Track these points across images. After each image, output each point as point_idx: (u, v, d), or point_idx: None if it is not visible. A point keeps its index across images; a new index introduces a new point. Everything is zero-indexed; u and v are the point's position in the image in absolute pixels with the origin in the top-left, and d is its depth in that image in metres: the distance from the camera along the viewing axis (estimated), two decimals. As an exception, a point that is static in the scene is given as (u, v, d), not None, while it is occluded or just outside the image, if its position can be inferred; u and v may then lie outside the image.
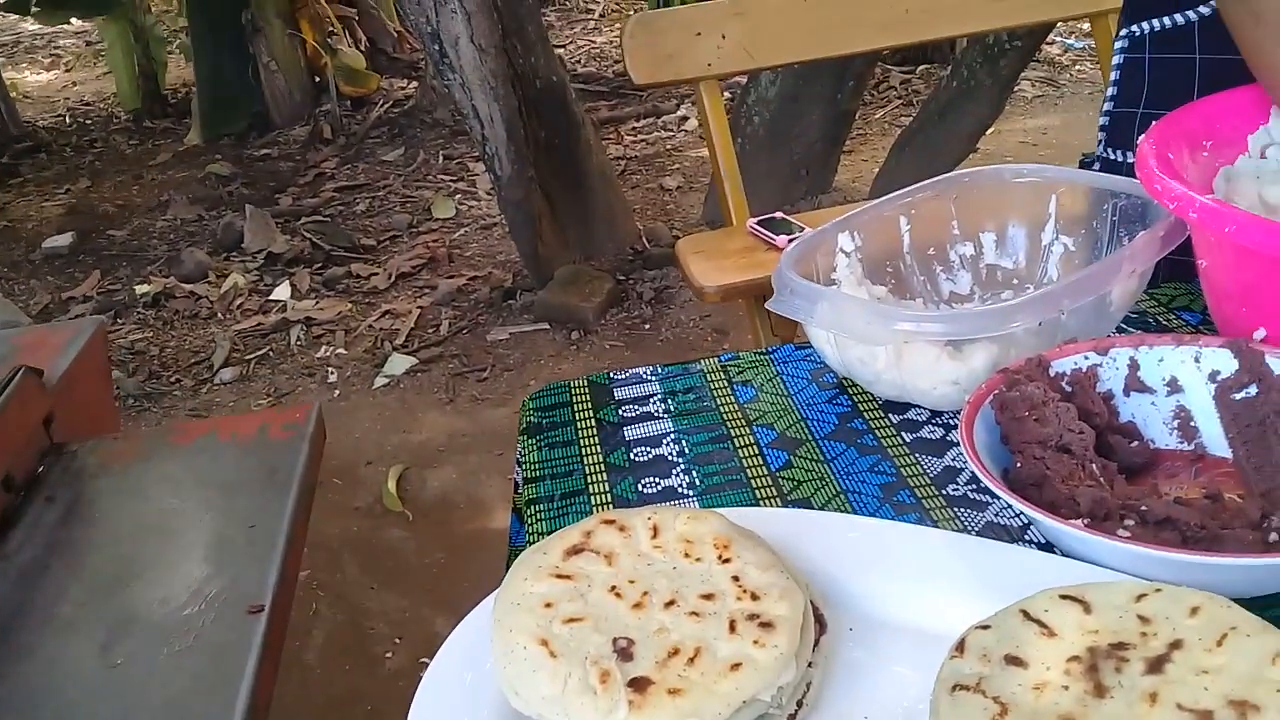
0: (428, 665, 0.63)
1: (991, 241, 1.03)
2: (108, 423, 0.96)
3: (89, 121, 6.46)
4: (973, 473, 0.77)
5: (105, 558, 0.73)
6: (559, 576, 0.63)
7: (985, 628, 0.56)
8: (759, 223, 2.36)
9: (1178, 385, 0.77)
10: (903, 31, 2.67)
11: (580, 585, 0.62)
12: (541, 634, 0.59)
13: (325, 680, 2.13)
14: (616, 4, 7.57)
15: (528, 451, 0.90)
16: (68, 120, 6.54)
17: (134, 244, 4.42)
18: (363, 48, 6.09)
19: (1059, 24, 5.27)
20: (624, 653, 0.58)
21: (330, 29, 5.88)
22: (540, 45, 3.31)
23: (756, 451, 0.85)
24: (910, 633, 0.63)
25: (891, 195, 1.00)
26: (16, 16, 6.66)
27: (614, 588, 0.62)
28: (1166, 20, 1.04)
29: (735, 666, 0.56)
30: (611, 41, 6.66)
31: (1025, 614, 0.56)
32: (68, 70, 8.00)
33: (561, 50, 6.04)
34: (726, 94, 3.87)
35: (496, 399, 3.04)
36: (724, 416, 0.90)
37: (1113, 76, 1.13)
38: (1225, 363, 0.76)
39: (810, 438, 0.86)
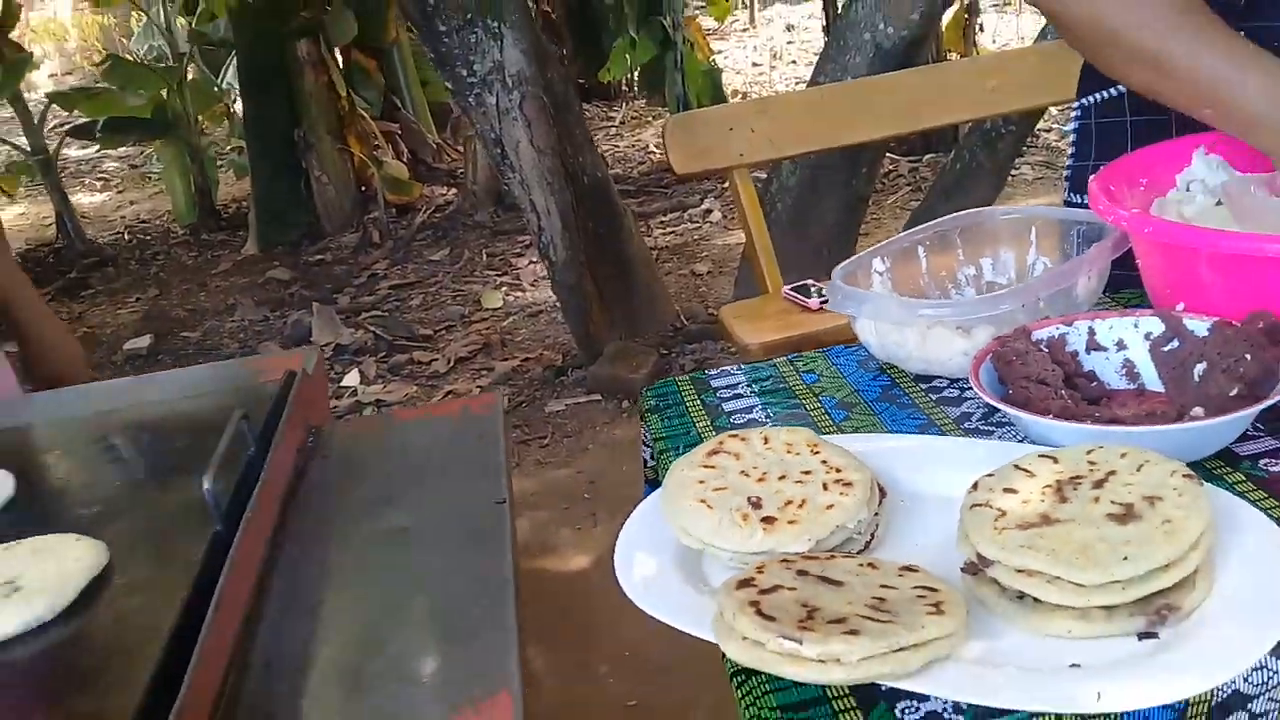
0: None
1: (989, 264, 1.35)
2: (328, 423, 1.27)
3: (148, 237, 6.90)
4: (982, 413, 1.08)
5: (377, 489, 1.03)
6: (704, 467, 0.94)
7: (990, 475, 0.87)
8: (793, 289, 2.70)
9: (1124, 344, 1.08)
10: (906, 120, 3.06)
11: (719, 471, 0.93)
12: (699, 496, 0.90)
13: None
14: (635, 113, 8.08)
15: (652, 424, 1.21)
16: (127, 237, 6.99)
17: (208, 343, 4.79)
18: (405, 159, 6.57)
19: (1054, 110, 5.68)
20: (755, 504, 0.88)
21: (376, 143, 6.36)
22: (586, 146, 3.71)
23: (824, 411, 1.16)
24: (943, 499, 0.93)
25: (911, 230, 1.33)
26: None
27: (743, 471, 0.93)
28: (1109, 91, 1.37)
29: (829, 507, 0.87)
30: (633, 145, 7.13)
31: (1016, 466, 0.87)
32: (120, 191, 8.50)
33: (590, 154, 6.49)
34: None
35: (559, 462, 3.35)
36: (796, 393, 1.21)
37: (1071, 139, 1.47)
38: (1156, 326, 1.07)
39: (862, 401, 1.17)
